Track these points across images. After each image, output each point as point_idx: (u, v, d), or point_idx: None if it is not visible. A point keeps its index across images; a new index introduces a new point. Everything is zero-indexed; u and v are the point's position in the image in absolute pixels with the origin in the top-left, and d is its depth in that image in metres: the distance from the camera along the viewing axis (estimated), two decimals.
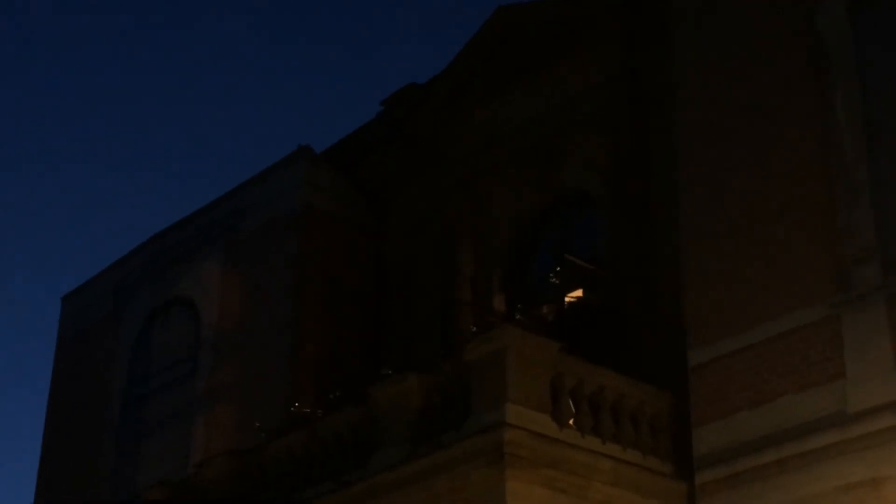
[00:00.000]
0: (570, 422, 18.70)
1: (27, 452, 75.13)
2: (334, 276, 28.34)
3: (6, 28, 71.81)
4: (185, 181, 73.38)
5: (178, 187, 72.69)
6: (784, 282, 18.73)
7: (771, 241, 19.12)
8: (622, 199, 23.70)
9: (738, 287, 19.31)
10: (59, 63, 73.61)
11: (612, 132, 24.26)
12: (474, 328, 23.82)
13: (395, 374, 20.07)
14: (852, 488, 17.00)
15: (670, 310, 20.93)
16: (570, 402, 18.84)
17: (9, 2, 70.74)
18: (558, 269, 24.82)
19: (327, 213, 28.82)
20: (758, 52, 20.21)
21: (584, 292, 24.48)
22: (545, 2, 26.19)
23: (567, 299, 24.68)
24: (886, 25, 18.88)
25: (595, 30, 24.88)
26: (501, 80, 26.47)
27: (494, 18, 26.83)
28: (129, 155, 73.42)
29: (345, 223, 28.98)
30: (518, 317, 22.35)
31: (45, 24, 73.24)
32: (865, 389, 17.23)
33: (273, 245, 28.78)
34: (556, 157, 25.42)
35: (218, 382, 28.51)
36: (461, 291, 26.47)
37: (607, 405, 19.15)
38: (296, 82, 74.73)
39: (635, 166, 23.59)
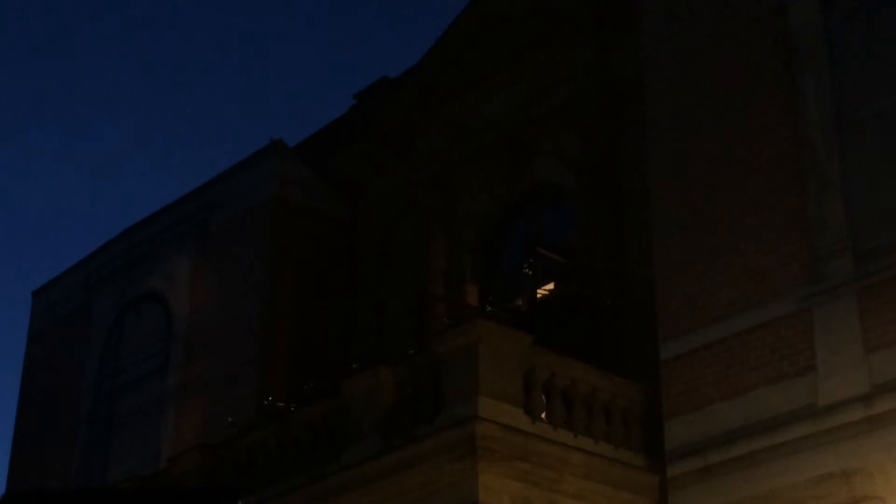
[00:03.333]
0: (543, 415, 18.68)
1: None
2: (306, 270, 28.30)
3: None
4: (157, 176, 73.19)
5: (149, 182, 72.54)
6: (755, 275, 18.75)
7: (742, 235, 19.14)
8: (594, 192, 23.71)
9: (710, 280, 19.33)
10: (30, 60, 73.24)
11: (584, 125, 24.28)
12: (447, 321, 23.87)
13: (367, 368, 20.03)
14: (823, 480, 17.04)
15: (642, 302, 20.95)
16: (543, 396, 18.83)
17: None
18: (531, 261, 24.82)
19: (299, 206, 28.78)
20: (729, 45, 20.22)
21: (556, 285, 24.48)
22: None
23: (539, 292, 24.67)
24: (858, 19, 18.91)
25: (567, 22, 24.88)
26: (474, 73, 26.47)
27: (467, 12, 26.83)
28: (100, 150, 73.19)
29: (316, 217, 28.93)
30: (490, 310, 22.36)
31: (17, 21, 72.86)
32: (836, 382, 17.26)
33: (244, 239, 28.72)
34: (528, 150, 25.44)
35: (189, 376, 28.44)
36: (433, 284, 26.45)
37: (580, 398, 19.13)
38: (268, 76, 74.60)
39: (607, 159, 23.62)
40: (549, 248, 24.59)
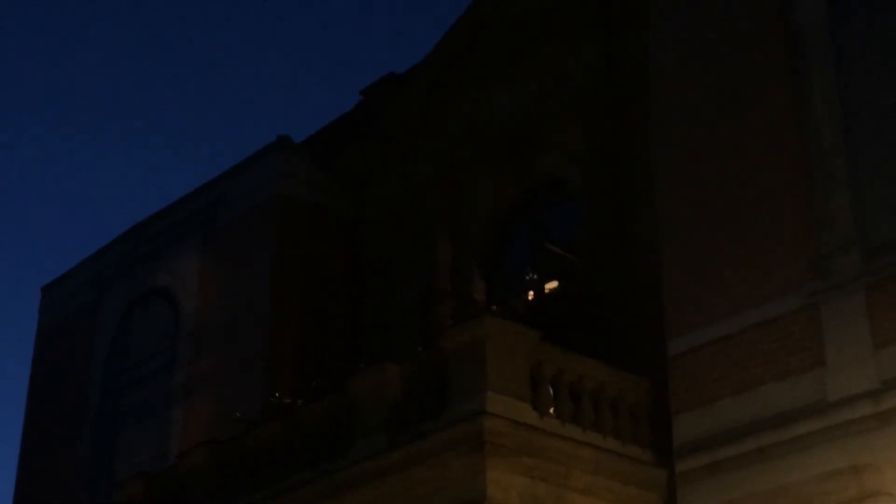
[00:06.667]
0: (551, 410, 18.69)
1: (7, 443, 75.00)
2: (313, 266, 28.30)
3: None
4: (165, 172, 73.30)
5: (157, 178, 72.64)
6: (762, 271, 18.75)
7: (749, 231, 19.13)
8: (600, 188, 23.69)
9: (717, 276, 19.32)
10: (40, 53, 73.32)
11: (589, 121, 24.25)
12: (453, 318, 23.85)
13: (373, 364, 20.03)
14: (833, 476, 17.03)
15: (649, 298, 20.93)
16: (550, 391, 18.83)
17: None
18: (537, 257, 24.81)
19: (306, 203, 28.79)
20: (735, 41, 20.22)
21: (562, 281, 24.46)
22: None
23: (546, 288, 24.66)
24: (864, 15, 18.90)
25: (573, 18, 24.86)
26: (480, 70, 26.45)
27: (473, 8, 26.82)
28: (109, 145, 73.28)
29: (323, 213, 28.94)
30: (495, 307, 22.35)
31: (19, 22, 72.96)
32: (845, 378, 17.26)
33: (251, 235, 28.73)
34: (534, 147, 25.41)
35: (197, 373, 28.47)
36: (440, 281, 26.43)
37: (587, 394, 19.14)
38: (275, 72, 74.64)
39: (613, 155, 23.60)
40: (555, 244, 24.58)
